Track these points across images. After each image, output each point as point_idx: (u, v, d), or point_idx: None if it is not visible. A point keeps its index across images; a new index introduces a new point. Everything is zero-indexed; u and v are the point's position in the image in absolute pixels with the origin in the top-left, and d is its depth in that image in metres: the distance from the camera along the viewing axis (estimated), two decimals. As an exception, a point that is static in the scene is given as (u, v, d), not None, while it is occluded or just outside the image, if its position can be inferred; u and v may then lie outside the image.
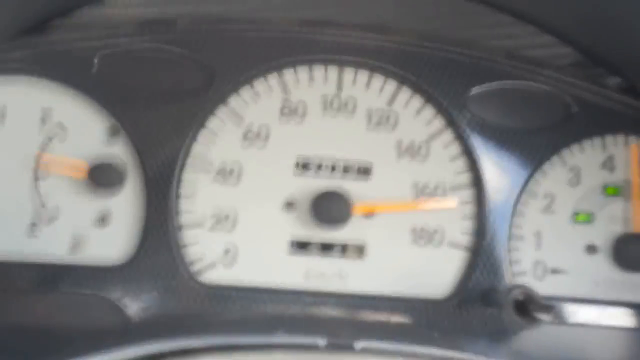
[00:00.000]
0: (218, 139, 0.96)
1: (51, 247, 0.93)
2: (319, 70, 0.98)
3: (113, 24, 0.97)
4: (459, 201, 0.98)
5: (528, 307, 0.87)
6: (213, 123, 0.96)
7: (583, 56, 1.03)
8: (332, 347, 0.75)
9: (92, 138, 0.95)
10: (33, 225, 0.93)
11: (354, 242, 0.97)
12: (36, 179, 0.94)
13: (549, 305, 0.85)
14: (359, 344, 0.77)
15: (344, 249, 0.96)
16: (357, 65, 0.98)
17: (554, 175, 1.00)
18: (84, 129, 0.95)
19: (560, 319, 0.87)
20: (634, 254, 0.99)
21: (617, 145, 1.02)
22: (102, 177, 0.92)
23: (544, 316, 0.85)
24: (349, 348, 0.76)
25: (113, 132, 0.95)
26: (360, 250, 0.97)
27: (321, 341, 0.76)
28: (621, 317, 0.98)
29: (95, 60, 0.95)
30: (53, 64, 0.94)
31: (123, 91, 0.94)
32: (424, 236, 0.97)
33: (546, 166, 1.00)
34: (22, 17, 0.90)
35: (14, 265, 0.92)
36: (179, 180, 0.94)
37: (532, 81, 1.00)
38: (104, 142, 0.95)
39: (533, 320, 0.87)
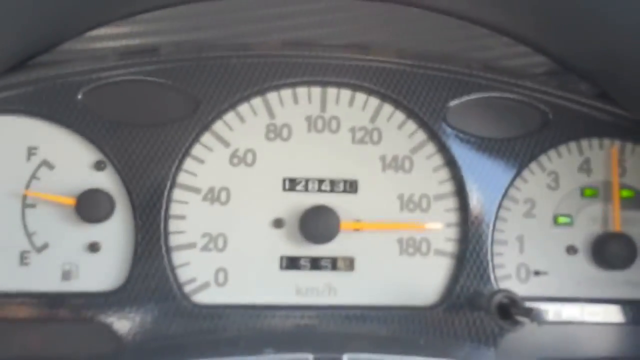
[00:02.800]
0: (205, 164, 0.98)
1: (43, 276, 0.94)
2: (302, 92, 1.00)
3: (95, 58, 0.98)
4: (443, 209, 1.01)
5: (510, 310, 0.91)
6: (199, 148, 0.98)
7: (556, 64, 1.06)
8: (321, 360, 0.79)
9: (78, 171, 0.96)
10: (23, 256, 0.94)
11: (344, 255, 0.99)
12: (24, 210, 0.95)
13: (531, 308, 0.88)
14: (347, 357, 0.80)
15: (333, 262, 0.99)
16: (339, 85, 1.00)
17: (534, 180, 1.04)
18: (70, 163, 0.96)
19: (542, 320, 0.90)
20: (611, 253, 1.02)
21: (592, 149, 1.05)
22: (90, 208, 0.94)
23: (525, 319, 0.88)
24: (337, 360, 0.79)
25: (99, 166, 0.96)
26: (349, 263, 0.99)
27: (310, 356, 0.79)
28: (603, 314, 1.02)
29: (79, 95, 0.96)
30: (37, 102, 0.95)
31: (108, 123, 0.96)
32: (411, 246, 1.00)
33: (525, 172, 1.03)
34: (3, 56, 0.91)
35: (6, 296, 0.93)
36: (168, 204, 0.96)
37: (509, 92, 1.03)
38: (91, 173, 0.96)
39: (516, 323, 0.90)
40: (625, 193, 1.05)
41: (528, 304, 0.91)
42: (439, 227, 1.00)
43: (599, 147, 1.05)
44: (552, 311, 1.01)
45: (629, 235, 1.03)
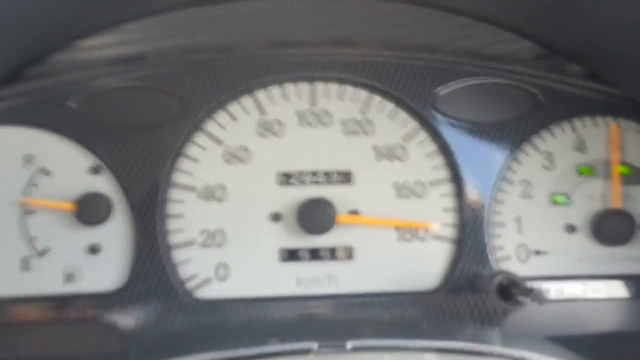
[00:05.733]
0: (199, 162, 0.99)
1: (46, 279, 0.96)
2: (290, 88, 1.02)
3: (84, 67, 1.00)
4: (438, 195, 1.02)
5: (511, 291, 0.91)
6: (192, 148, 0.99)
7: (543, 48, 1.07)
8: (325, 349, 0.79)
9: (75, 177, 0.98)
10: (26, 261, 0.96)
11: (342, 244, 1.00)
12: (24, 217, 0.97)
13: (531, 288, 0.88)
14: (351, 344, 0.80)
15: (332, 252, 1.00)
16: (327, 80, 1.02)
17: (528, 161, 1.04)
18: (66, 170, 0.98)
19: (542, 300, 0.90)
20: (611, 228, 1.03)
21: (586, 127, 1.06)
22: (88, 212, 0.96)
23: (527, 299, 0.89)
24: (341, 348, 0.80)
25: (95, 170, 0.98)
26: (348, 252, 1.00)
27: (315, 345, 0.79)
28: (605, 290, 1.02)
29: (71, 104, 0.98)
30: (30, 112, 0.98)
31: (101, 129, 0.98)
32: (408, 232, 1.01)
33: (519, 154, 1.04)
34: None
35: (11, 301, 0.94)
36: (165, 203, 0.97)
37: (497, 77, 1.04)
38: (88, 178, 0.98)
39: (517, 304, 0.90)
40: (622, 169, 1.05)
41: (529, 284, 0.91)
42: (435, 228, 1.01)
43: (593, 125, 1.06)
44: (554, 289, 1.01)
45: (628, 211, 1.03)
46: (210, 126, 1.00)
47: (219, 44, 1.03)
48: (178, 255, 0.98)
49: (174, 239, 0.98)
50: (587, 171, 1.05)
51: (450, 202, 1.02)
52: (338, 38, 1.05)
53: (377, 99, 1.03)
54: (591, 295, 1.01)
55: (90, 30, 1.01)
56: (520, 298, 0.90)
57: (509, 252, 1.02)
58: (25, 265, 0.96)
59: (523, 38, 1.06)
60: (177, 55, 1.01)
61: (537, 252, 1.03)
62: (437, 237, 1.01)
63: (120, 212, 0.97)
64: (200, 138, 1.00)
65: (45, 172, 0.98)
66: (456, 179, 1.02)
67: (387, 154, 1.02)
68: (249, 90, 1.01)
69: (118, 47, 1.04)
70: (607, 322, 1.01)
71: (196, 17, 1.04)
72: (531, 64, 1.07)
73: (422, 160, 1.02)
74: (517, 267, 1.01)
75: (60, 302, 0.95)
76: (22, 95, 0.98)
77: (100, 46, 1.03)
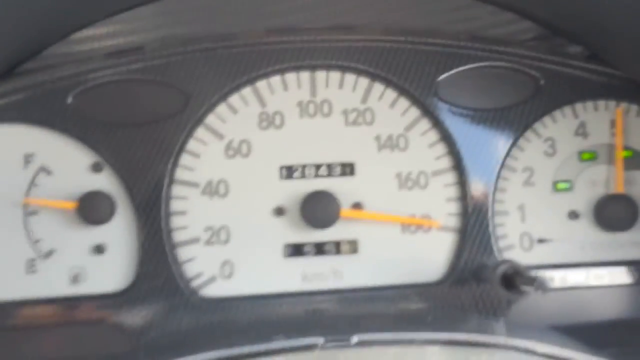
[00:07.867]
0: (201, 158, 0.98)
1: (51, 282, 0.95)
2: (291, 77, 1.00)
3: (81, 60, 0.99)
4: (441, 185, 1.02)
5: (515, 280, 0.91)
6: (193, 143, 0.98)
7: (544, 29, 1.05)
8: (331, 344, 0.79)
9: (77, 175, 0.96)
10: (30, 263, 0.95)
11: (347, 238, 1.00)
12: (26, 218, 0.96)
13: (535, 277, 0.88)
14: (357, 338, 0.81)
15: (337, 246, 1.00)
16: (328, 68, 1.00)
17: (530, 148, 1.04)
18: (67, 167, 0.96)
19: (545, 288, 0.91)
20: (613, 214, 1.02)
21: (587, 112, 1.05)
22: (91, 210, 0.95)
23: (530, 288, 0.89)
24: (347, 343, 0.80)
25: (97, 168, 0.97)
26: (353, 246, 1.00)
27: (321, 340, 0.80)
28: (609, 276, 1.02)
29: (69, 99, 0.96)
30: (28, 109, 0.96)
31: (101, 125, 0.96)
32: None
33: (521, 141, 1.03)
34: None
35: (17, 304, 0.94)
36: (168, 201, 0.97)
37: (498, 60, 1.02)
38: (89, 176, 0.97)
39: (521, 293, 0.91)
40: (624, 153, 1.05)
41: (534, 272, 0.91)
42: (438, 226, 1.00)
43: (594, 109, 1.05)
44: (558, 277, 1.01)
45: (630, 196, 1.03)
46: (211, 120, 0.99)
47: (218, 33, 1.01)
48: (183, 254, 0.97)
49: (178, 236, 0.97)
50: (589, 157, 1.05)
51: (453, 191, 1.02)
52: (339, 24, 1.03)
53: (378, 87, 1.01)
54: (594, 282, 1.02)
55: (86, 22, 0.99)
56: (524, 287, 0.91)
57: (512, 241, 1.02)
58: (31, 267, 0.96)
59: (523, 18, 1.05)
60: (176, 45, 0.99)
61: (541, 240, 1.03)
62: (441, 228, 1.01)
63: (123, 211, 0.97)
64: (201, 132, 0.99)
65: (46, 170, 0.97)
66: (459, 167, 1.01)
67: (389, 144, 1.01)
68: (250, 80, 0.99)
69: (115, 38, 1.02)
70: (611, 309, 1.02)
71: (193, 5, 1.02)
72: (532, 45, 1.05)
73: (424, 150, 1.02)
74: (521, 256, 1.01)
75: (67, 304, 0.95)
76: (19, 92, 0.96)
77: (97, 37, 1.01)
